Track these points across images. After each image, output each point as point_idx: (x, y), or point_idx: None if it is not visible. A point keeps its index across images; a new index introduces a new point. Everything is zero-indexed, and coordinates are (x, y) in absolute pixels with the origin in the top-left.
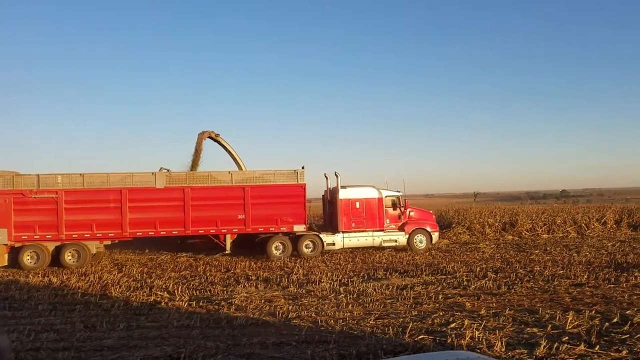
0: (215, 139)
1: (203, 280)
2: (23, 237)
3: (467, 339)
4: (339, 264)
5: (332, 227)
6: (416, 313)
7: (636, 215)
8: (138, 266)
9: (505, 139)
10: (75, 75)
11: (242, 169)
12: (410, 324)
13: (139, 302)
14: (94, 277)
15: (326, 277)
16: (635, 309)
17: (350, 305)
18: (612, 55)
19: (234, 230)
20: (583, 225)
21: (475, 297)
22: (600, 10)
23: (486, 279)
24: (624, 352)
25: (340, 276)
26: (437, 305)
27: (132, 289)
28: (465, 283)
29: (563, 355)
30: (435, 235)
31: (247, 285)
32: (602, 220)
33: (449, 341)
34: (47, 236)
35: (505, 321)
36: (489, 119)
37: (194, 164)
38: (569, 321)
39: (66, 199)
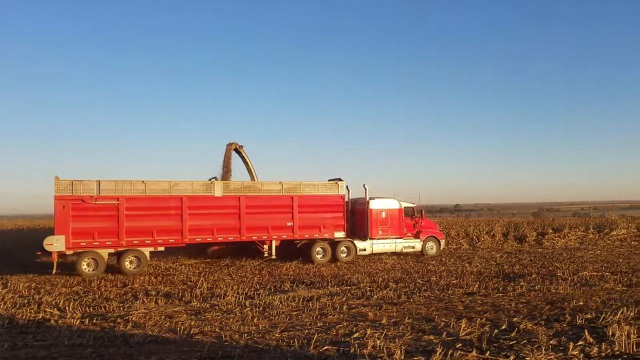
0: (238, 150)
1: (97, 296)
2: (82, 243)
3: (369, 348)
4: (245, 277)
5: (355, 234)
6: (321, 324)
7: (521, 229)
8: (25, 281)
9: (401, 154)
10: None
11: (255, 180)
12: (315, 336)
13: (25, 319)
14: None
15: (231, 291)
16: (521, 316)
17: (256, 318)
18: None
19: (283, 236)
20: (474, 237)
21: (378, 307)
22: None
23: (388, 289)
24: (512, 358)
25: (247, 289)
26: (341, 315)
27: (18, 305)
28: (368, 293)
29: None
30: (442, 243)
31: (146, 301)
32: (492, 233)
33: (352, 351)
34: (107, 243)
35: (405, 329)
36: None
37: (225, 174)
38: (462, 328)
39: (127, 205)
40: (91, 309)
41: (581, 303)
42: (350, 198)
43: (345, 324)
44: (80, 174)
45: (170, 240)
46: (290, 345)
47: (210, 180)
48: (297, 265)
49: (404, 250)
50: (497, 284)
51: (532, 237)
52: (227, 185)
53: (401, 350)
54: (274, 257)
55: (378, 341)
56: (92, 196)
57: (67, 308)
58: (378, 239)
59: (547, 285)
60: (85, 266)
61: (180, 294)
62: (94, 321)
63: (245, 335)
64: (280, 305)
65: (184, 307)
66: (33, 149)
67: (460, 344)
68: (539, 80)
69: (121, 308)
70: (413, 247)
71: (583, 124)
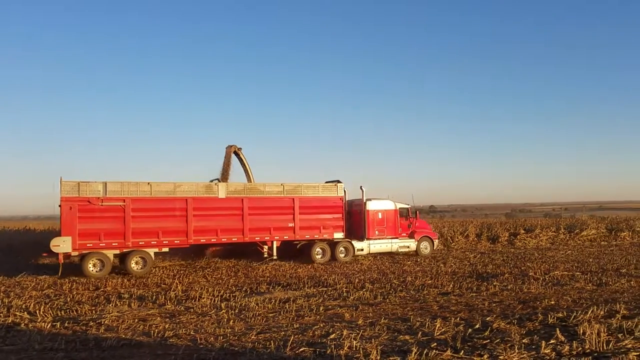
0: (237, 152)
1: (69, 300)
2: (88, 244)
3: (345, 349)
4: (220, 279)
5: (353, 234)
6: (298, 326)
7: (494, 229)
8: None
9: (375, 155)
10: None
11: (251, 182)
12: (292, 337)
13: None
14: None
15: (207, 293)
16: (495, 315)
17: (232, 320)
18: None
19: (285, 237)
20: (449, 238)
21: (354, 308)
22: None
23: (364, 289)
24: (485, 356)
25: (222, 291)
26: (318, 317)
27: None
28: (344, 294)
29: None
30: (435, 243)
31: (119, 304)
32: (465, 234)
33: (328, 352)
34: (113, 244)
35: (381, 330)
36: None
37: (225, 175)
38: (437, 328)
39: (133, 206)
40: (63, 313)
41: (553, 302)
42: (347, 199)
43: (321, 325)
44: (81, 176)
45: (175, 241)
46: (267, 347)
47: (212, 181)
48: (274, 267)
49: (399, 250)
50: (471, 284)
51: (504, 238)
52: (231, 187)
53: (377, 351)
54: (275, 257)
55: (354, 342)
56: (98, 197)
57: (37, 312)
58: (375, 239)
59: (519, 285)
60: (91, 267)
61: (154, 297)
62: (66, 325)
63: (221, 337)
64: (257, 307)
65: (158, 310)
66: (27, 150)
67: (435, 344)
68: (510, 81)
69: (93, 311)
70: (408, 247)
71: (554, 127)
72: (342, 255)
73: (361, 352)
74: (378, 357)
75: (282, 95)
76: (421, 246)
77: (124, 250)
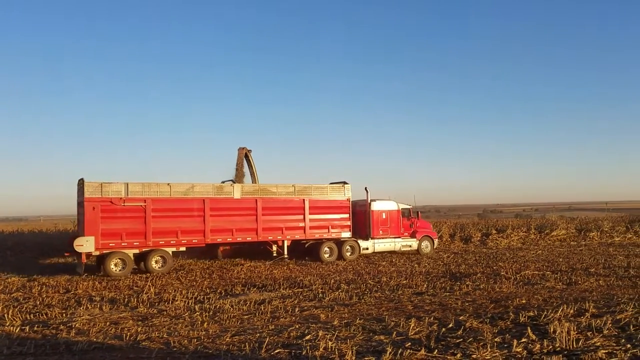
0: (247, 154)
1: (38, 303)
2: (110, 244)
3: (321, 350)
4: (194, 281)
5: (357, 234)
6: (273, 327)
7: (467, 230)
8: None
9: (348, 154)
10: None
11: (256, 183)
12: (267, 339)
13: None
14: None
15: (180, 295)
16: (468, 314)
17: (206, 323)
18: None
19: (296, 236)
20: None
21: (330, 309)
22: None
23: (340, 290)
24: (459, 355)
25: (196, 293)
26: (293, 318)
27: None
28: (320, 295)
29: None
30: (435, 242)
31: (90, 307)
32: (439, 234)
33: (304, 353)
34: (135, 243)
35: (356, 330)
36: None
37: (239, 177)
38: (411, 328)
39: (154, 207)
40: (32, 316)
41: (524, 301)
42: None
43: (297, 326)
44: (93, 176)
45: (193, 241)
46: (242, 349)
47: (224, 182)
48: (249, 268)
49: (402, 249)
50: (445, 284)
51: (477, 238)
52: (245, 188)
53: (352, 351)
54: (286, 256)
55: (330, 342)
56: (120, 198)
57: (5, 315)
58: (379, 238)
59: (491, 284)
60: (113, 266)
61: (126, 300)
62: (35, 328)
63: (195, 340)
64: (231, 309)
65: (130, 313)
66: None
67: (410, 343)
68: (481, 80)
69: (64, 314)
70: (410, 246)
71: (524, 128)
72: (348, 254)
73: (336, 352)
74: (353, 358)
75: (283, 97)
76: (422, 245)
77: (144, 249)
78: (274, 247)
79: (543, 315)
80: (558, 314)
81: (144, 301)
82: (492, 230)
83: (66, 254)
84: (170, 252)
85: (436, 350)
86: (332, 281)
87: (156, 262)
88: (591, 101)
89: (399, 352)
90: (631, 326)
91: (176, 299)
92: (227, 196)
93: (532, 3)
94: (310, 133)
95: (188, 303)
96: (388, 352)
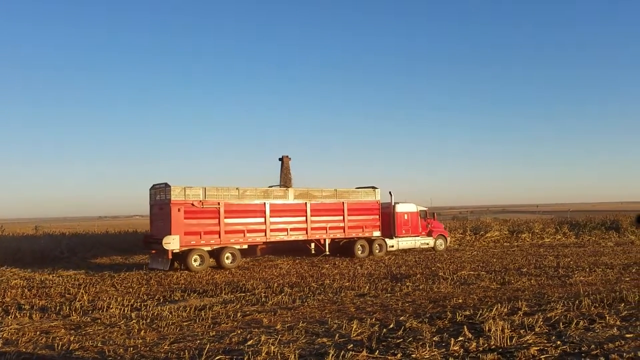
0: (286, 162)
1: None
2: (192, 242)
3: (263, 354)
4: (131, 287)
5: (383, 233)
6: (214, 333)
7: None
8: None
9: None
10: None
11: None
12: (208, 345)
13: None
14: None
15: (115, 303)
16: (408, 315)
17: (143, 331)
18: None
19: (337, 235)
20: None
21: (272, 313)
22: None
23: (283, 294)
24: (399, 355)
25: (132, 300)
26: (235, 323)
27: None
28: (263, 299)
29: None
30: (448, 240)
31: (18, 316)
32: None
33: (245, 359)
34: (210, 241)
35: (299, 334)
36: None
37: (287, 182)
38: (353, 329)
39: (226, 208)
40: None
41: (460, 301)
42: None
43: (239, 331)
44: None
45: (257, 239)
46: (181, 357)
47: (271, 187)
48: (189, 274)
49: (421, 246)
50: (386, 285)
51: None
52: (296, 192)
53: (295, 355)
54: (327, 253)
55: (272, 347)
56: (200, 201)
57: None
58: (402, 237)
59: (430, 285)
60: (193, 262)
61: (57, 308)
62: None
63: (131, 349)
64: (170, 315)
65: (62, 322)
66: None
67: (352, 345)
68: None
69: None
70: (427, 244)
71: (457, 132)
72: (377, 251)
73: (279, 357)
74: None
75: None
76: (437, 243)
77: (216, 247)
78: (312, 245)
79: (478, 314)
80: (492, 313)
81: (76, 309)
82: None
83: (152, 252)
84: (238, 249)
85: (377, 351)
86: (276, 285)
87: (227, 258)
88: (511, 105)
89: (342, 354)
90: (561, 323)
91: (111, 306)
92: (283, 199)
93: (543, 3)
94: (344, 139)
95: (124, 310)
96: (330, 355)
